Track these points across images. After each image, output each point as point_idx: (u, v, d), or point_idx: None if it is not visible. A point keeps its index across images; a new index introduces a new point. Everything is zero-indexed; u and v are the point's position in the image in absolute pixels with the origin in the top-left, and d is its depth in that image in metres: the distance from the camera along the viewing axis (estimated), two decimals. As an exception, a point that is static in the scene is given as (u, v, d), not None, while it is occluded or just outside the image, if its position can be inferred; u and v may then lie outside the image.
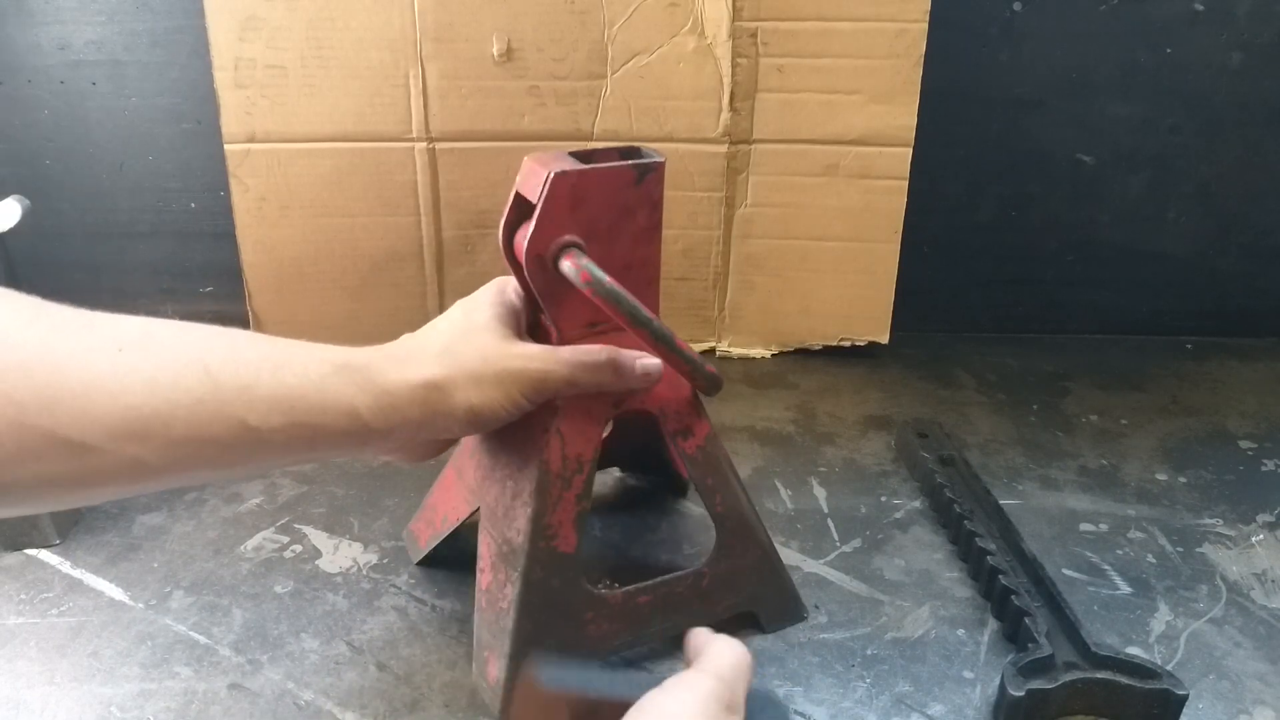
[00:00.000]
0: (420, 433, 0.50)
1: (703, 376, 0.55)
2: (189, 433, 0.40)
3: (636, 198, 0.53)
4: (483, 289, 0.54)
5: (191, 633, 0.61)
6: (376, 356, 0.47)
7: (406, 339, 0.52)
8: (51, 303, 0.41)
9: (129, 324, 0.42)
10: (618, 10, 0.88)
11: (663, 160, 0.53)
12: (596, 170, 0.51)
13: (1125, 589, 0.68)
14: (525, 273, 0.51)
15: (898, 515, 0.76)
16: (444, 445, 0.57)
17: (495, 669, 0.54)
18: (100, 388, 0.39)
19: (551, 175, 0.48)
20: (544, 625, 0.52)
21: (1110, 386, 1.00)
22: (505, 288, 0.54)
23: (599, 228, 0.52)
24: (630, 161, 0.52)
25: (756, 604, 0.61)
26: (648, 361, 0.53)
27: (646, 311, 0.50)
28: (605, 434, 0.56)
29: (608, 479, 0.79)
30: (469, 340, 0.50)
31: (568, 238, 0.50)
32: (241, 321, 0.97)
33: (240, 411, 0.41)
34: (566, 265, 0.50)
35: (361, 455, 0.51)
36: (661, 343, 0.51)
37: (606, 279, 0.49)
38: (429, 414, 0.47)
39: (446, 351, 0.49)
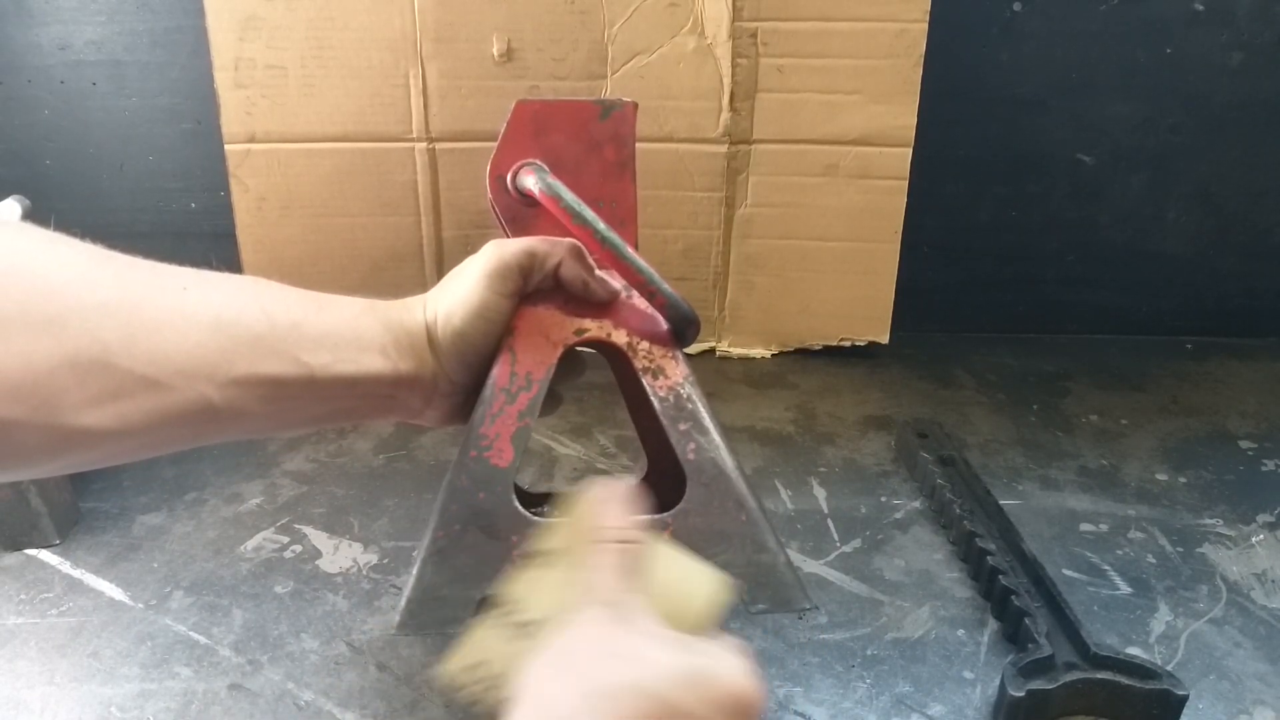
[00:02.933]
0: (438, 372, 0.51)
1: (672, 306, 0.52)
2: (249, 370, 0.42)
3: (603, 133, 0.54)
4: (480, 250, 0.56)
5: (191, 633, 0.61)
6: (393, 304, 0.51)
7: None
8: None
9: (184, 269, 0.43)
10: (618, 10, 0.88)
11: (632, 102, 0.55)
12: (560, 101, 0.54)
13: (1125, 589, 0.68)
14: (490, 195, 0.53)
15: (898, 515, 0.76)
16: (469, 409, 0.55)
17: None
18: (171, 325, 0.40)
19: (515, 103, 0.52)
20: (462, 538, 0.49)
21: (1110, 386, 1.00)
22: (502, 248, 0.53)
23: (565, 158, 0.54)
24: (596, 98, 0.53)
25: (736, 575, 0.52)
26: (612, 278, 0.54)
27: (606, 226, 0.51)
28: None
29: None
30: (455, 280, 0.52)
31: (529, 160, 0.53)
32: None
33: (293, 349, 0.44)
34: (526, 178, 0.52)
35: (393, 411, 0.51)
36: (623, 260, 0.51)
37: (565, 190, 0.51)
38: (435, 350, 0.50)
39: (439, 290, 0.53)
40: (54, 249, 0.39)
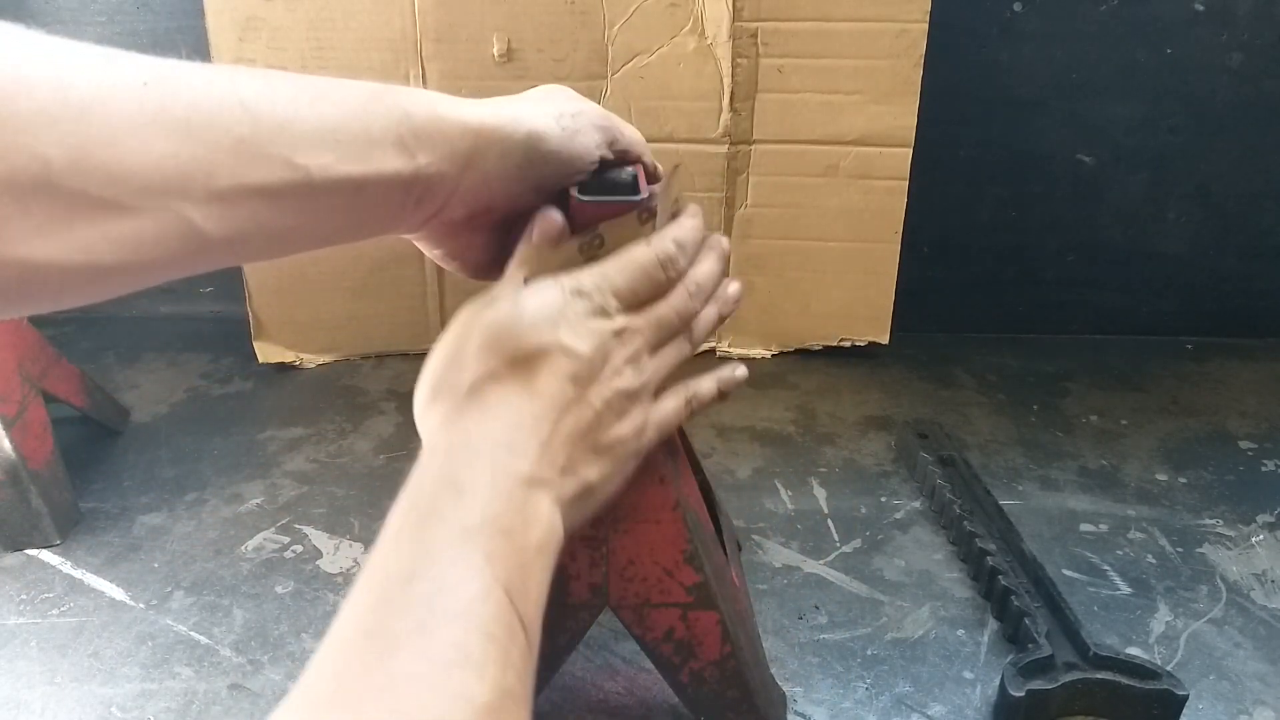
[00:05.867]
0: (467, 177, 0.43)
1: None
2: (234, 181, 0.35)
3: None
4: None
5: (192, 633, 0.61)
6: (417, 90, 0.43)
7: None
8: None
9: (148, 59, 0.35)
10: (618, 10, 0.88)
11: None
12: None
13: (1125, 589, 0.68)
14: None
15: (898, 515, 0.76)
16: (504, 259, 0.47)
17: None
18: (130, 133, 0.32)
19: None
20: None
21: (1110, 386, 1.00)
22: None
23: None
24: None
25: None
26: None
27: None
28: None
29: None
30: (553, 98, 0.46)
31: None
32: (242, 323, 0.97)
33: (285, 150, 0.36)
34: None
35: (403, 220, 0.44)
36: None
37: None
38: (481, 145, 0.42)
39: (523, 98, 0.46)
40: None
